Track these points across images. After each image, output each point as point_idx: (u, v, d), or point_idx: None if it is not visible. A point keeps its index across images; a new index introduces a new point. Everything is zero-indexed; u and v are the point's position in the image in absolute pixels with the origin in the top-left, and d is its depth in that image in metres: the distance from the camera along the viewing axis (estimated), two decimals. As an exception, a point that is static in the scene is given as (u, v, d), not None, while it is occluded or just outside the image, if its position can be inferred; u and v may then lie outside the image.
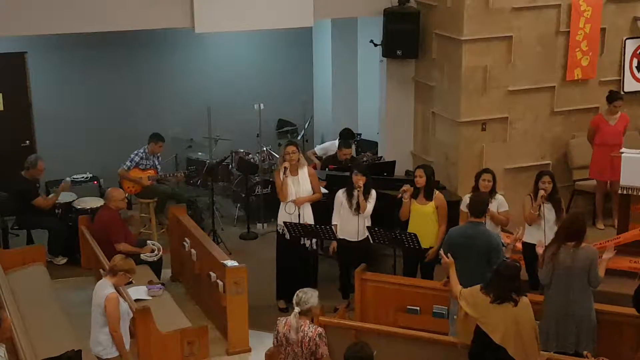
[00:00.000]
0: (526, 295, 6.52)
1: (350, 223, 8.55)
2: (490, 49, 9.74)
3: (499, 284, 6.43)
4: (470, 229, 7.34)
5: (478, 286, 6.63)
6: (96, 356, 6.83)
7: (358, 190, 8.41)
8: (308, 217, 8.75)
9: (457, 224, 8.19)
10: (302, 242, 8.74)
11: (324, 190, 9.67)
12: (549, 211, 8.20)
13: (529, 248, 8.22)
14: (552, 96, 10.16)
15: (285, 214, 8.67)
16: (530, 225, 8.31)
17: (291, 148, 8.70)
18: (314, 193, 8.82)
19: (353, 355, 5.79)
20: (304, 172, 8.78)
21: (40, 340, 7.35)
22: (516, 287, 6.43)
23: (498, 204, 8.34)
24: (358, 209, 8.47)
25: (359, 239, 8.57)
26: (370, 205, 8.51)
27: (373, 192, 8.59)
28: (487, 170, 8.41)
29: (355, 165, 9.16)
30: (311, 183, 8.80)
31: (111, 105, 12.05)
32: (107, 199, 9.21)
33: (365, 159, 10.99)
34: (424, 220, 8.37)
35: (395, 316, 8.13)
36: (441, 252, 7.14)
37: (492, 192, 8.31)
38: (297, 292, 6.31)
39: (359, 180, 8.41)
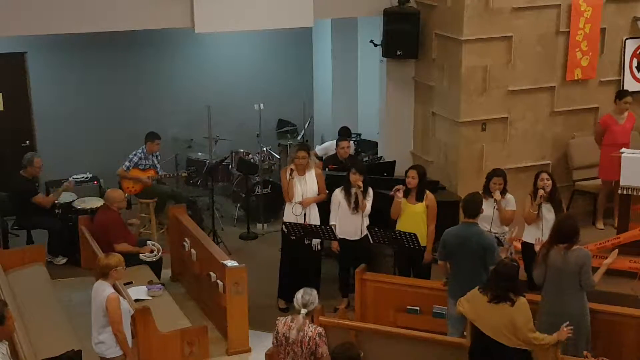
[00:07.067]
0: (524, 296, 6.48)
1: (350, 222, 8.56)
2: (490, 49, 9.74)
3: (496, 283, 6.42)
4: (464, 230, 7.34)
5: (477, 287, 6.62)
6: (100, 356, 6.83)
7: (357, 190, 8.43)
8: (314, 217, 8.77)
9: (454, 224, 8.17)
10: (306, 242, 8.75)
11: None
12: (547, 211, 8.19)
13: (528, 248, 8.21)
14: (552, 96, 10.16)
15: (291, 214, 8.68)
16: (529, 225, 8.32)
17: (302, 153, 8.73)
18: (319, 194, 8.84)
19: (341, 355, 5.80)
20: (312, 173, 8.82)
21: (40, 340, 7.34)
22: (514, 287, 6.41)
23: (506, 203, 8.35)
24: (357, 207, 8.50)
25: (359, 238, 8.58)
26: (368, 204, 8.53)
27: (370, 190, 8.63)
28: (497, 174, 8.36)
29: (352, 163, 9.17)
30: (317, 184, 8.83)
31: (111, 105, 12.05)
32: (107, 199, 9.21)
33: (366, 158, 10.98)
34: (413, 219, 8.37)
35: (395, 316, 8.13)
36: None
37: (504, 192, 8.35)
38: (301, 293, 6.29)
39: (357, 180, 8.44)
